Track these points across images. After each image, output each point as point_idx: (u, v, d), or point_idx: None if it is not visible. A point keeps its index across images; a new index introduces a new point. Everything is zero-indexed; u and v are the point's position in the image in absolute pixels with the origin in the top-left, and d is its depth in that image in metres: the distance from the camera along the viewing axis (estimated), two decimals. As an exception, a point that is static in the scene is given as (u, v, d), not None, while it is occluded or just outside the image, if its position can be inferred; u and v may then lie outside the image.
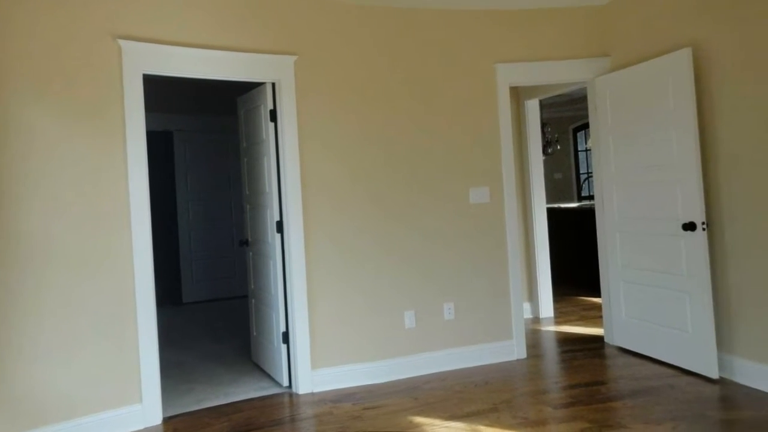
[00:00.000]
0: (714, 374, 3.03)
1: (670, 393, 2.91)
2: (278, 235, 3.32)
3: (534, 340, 4.09)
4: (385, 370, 3.40)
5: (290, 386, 3.32)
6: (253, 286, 3.79)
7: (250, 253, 3.79)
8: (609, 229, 3.74)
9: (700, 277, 3.06)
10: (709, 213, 3.11)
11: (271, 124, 3.32)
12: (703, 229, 3.04)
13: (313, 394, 3.22)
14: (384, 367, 3.40)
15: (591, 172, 5.69)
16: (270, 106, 3.31)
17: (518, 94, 4.81)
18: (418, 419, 2.78)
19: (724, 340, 3.07)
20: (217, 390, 3.32)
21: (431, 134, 3.56)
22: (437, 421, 2.74)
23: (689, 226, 3.09)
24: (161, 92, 5.83)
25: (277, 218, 3.32)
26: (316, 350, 3.29)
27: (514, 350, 3.65)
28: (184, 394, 3.29)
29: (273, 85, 3.30)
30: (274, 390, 3.30)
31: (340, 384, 3.31)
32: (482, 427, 2.64)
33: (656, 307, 3.39)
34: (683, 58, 3.08)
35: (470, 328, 3.59)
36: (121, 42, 2.82)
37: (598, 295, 4.01)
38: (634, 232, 3.53)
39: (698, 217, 3.05)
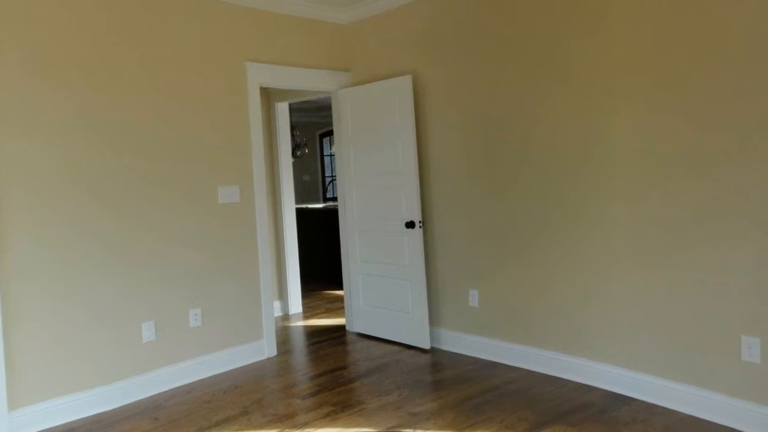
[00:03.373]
0: (427, 345, 3.69)
1: (397, 366, 3.41)
2: (-45, 242, 2.52)
3: (284, 336, 4.20)
4: (118, 394, 2.96)
5: (-24, 437, 2.56)
6: None
7: None
8: (350, 227, 4.14)
9: (417, 267, 3.69)
10: (425, 213, 3.78)
11: (-57, 94, 2.50)
12: (420, 227, 3.67)
13: (13, 440, 2.57)
14: (117, 390, 2.96)
15: (335, 176, 6.16)
16: (-60, 70, 2.48)
17: (269, 96, 4.87)
18: (160, 440, 2.52)
19: (434, 317, 3.77)
20: None
21: (175, 127, 3.27)
22: (182, 438, 2.54)
23: (410, 225, 3.69)
24: None
25: (-46, 219, 2.52)
26: (18, 386, 2.63)
27: (265, 349, 3.68)
28: None
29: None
30: (-51, 447, 2.50)
31: (57, 420, 2.74)
32: (232, 433, 2.58)
33: (387, 294, 3.92)
34: (405, 83, 3.66)
35: (220, 333, 3.45)
36: None
37: (342, 288, 4.40)
38: (370, 230, 4.01)
39: (416, 217, 3.67)
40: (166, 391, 3.15)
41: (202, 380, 3.30)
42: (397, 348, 3.78)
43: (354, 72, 4.14)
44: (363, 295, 4.10)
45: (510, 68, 3.22)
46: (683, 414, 2.56)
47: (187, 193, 3.32)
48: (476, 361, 3.44)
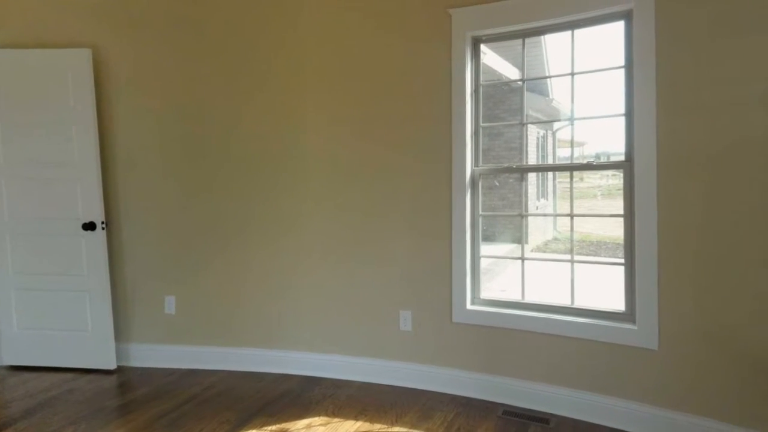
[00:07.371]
0: (112, 365, 3.19)
1: (70, 398, 2.82)
2: None
3: None
4: None
5: None
6: None
7: None
8: (-3, 231, 3.19)
9: (100, 275, 3.15)
10: (109, 212, 3.26)
11: None
12: (103, 228, 3.15)
13: None
14: None
15: (-28, 164, 4.54)
16: None
17: None
18: None
19: (122, 331, 3.29)
20: None
21: None
22: None
23: (89, 226, 3.12)
24: None
25: None
26: None
27: None
28: None
29: None
30: None
31: None
32: None
33: (56, 312, 3.20)
34: (84, 57, 3.07)
35: None
36: None
37: (-18, 311, 3.35)
38: (29, 233, 3.19)
39: (98, 217, 3.13)
40: None
41: None
42: (70, 375, 3.13)
43: (4, 31, 3.22)
44: (17, 316, 3.22)
45: (210, 64, 3.12)
46: (360, 382, 3.01)
47: None
48: (173, 372, 3.18)
